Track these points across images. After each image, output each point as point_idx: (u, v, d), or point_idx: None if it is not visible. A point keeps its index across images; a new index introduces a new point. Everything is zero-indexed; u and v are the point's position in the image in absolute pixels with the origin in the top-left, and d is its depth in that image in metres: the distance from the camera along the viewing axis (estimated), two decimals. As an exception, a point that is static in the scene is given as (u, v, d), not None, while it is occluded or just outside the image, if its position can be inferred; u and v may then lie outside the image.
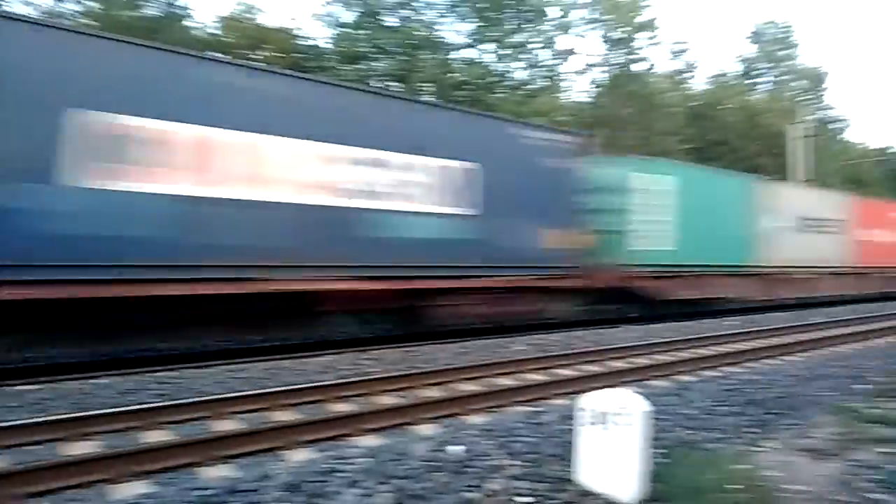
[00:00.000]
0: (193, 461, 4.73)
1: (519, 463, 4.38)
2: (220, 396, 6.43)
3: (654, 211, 14.28)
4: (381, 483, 3.92)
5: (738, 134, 34.58)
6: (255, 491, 3.71)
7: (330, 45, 24.33)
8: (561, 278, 12.01)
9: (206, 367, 7.98)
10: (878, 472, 4.61)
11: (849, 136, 46.10)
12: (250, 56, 22.72)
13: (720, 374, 8.43)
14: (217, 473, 4.54)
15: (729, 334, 12.22)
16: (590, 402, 4.14)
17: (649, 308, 14.83)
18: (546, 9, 27.85)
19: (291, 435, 5.33)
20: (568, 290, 12.52)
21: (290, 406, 6.42)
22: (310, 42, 24.84)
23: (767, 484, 4.24)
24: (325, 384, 7.12)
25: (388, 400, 6.90)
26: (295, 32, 24.53)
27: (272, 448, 5.10)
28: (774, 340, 11.78)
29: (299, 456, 4.92)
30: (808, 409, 6.63)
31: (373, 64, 23.27)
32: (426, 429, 5.87)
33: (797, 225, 18.60)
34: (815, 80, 43.52)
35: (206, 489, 3.80)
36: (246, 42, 22.36)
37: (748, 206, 17.12)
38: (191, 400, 6.25)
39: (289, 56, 23.14)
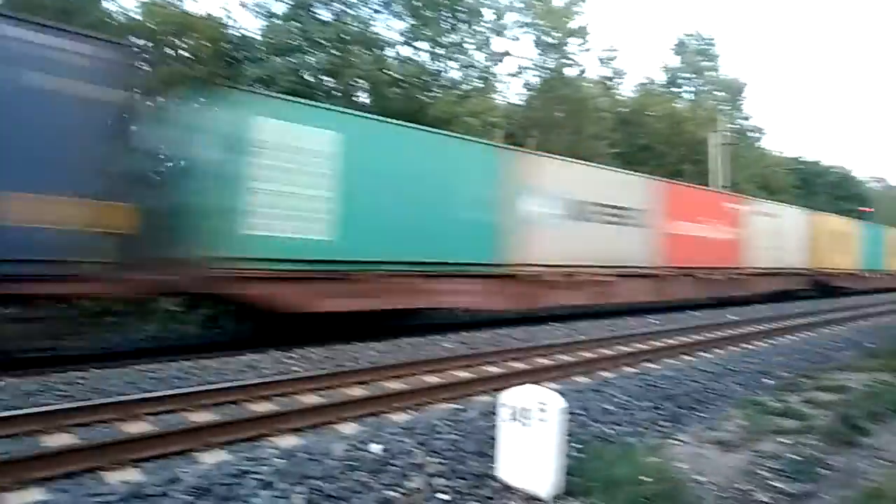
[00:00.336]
0: (98, 465, 4.48)
1: (440, 460, 4.38)
2: (131, 398, 6.14)
3: (295, 179, 9.60)
4: (296, 484, 3.82)
5: (663, 140, 35.93)
6: (161, 496, 3.54)
7: (259, 37, 23.67)
8: (53, 281, 7.38)
9: (118, 367, 7.59)
10: (780, 461, 4.88)
11: (765, 144, 48.70)
12: (178, 44, 21.78)
13: (639, 370, 8.70)
14: (122, 478, 4.31)
15: (650, 332, 12.67)
16: (509, 399, 4.18)
17: (264, 323, 10.51)
18: (482, 9, 28.06)
19: (205, 436, 5.14)
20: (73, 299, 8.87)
21: (207, 407, 6.20)
22: (240, 32, 24.09)
23: (678, 475, 4.40)
24: (245, 384, 6.91)
25: (310, 399, 6.76)
26: (224, 21, 23.71)
27: (184, 450, 4.90)
28: (693, 338, 12.30)
29: (212, 458, 4.75)
30: (718, 403, 6.96)
31: (306, 57, 22.77)
32: (347, 428, 5.78)
33: (574, 212, 14.21)
34: (735, 90, 45.76)
35: (109, 494, 3.60)
36: (170, 29, 21.40)
37: (492, 183, 12.64)
38: (99, 401, 5.93)
39: (217, 45, 22.33)
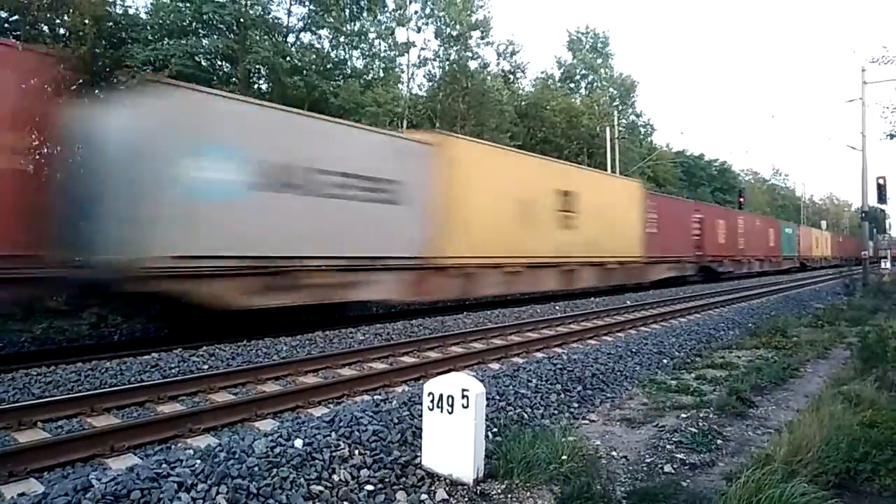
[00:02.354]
0: (-10, 479, 4.12)
1: (364, 452, 4.36)
2: (22, 404, 5.66)
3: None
4: (217, 484, 3.69)
5: (561, 134, 37.27)
6: (70, 506, 3.31)
7: (148, 16, 22.26)
8: None
9: (3, 372, 6.97)
10: (681, 434, 5.26)
11: (655, 138, 51.65)
12: (56, 21, 20.03)
13: (548, 354, 9.05)
14: (19, 490, 3.99)
15: (557, 317, 13.18)
16: (432, 388, 4.23)
17: None
18: (385, -1, 27.86)
19: (112, 441, 4.83)
20: None
21: (110, 410, 5.83)
22: (127, 11, 22.53)
23: (591, 453, 4.64)
24: (150, 384, 6.55)
25: (223, 397, 6.52)
26: (106, -2, 22.07)
27: (91, 457, 4.59)
28: (595, 322, 12.92)
29: (123, 463, 4.48)
30: (623, 383, 7.37)
31: (203, 41, 21.67)
32: (266, 424, 5.63)
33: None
34: (627, 87, 48.09)
35: (7, 510, 3.33)
36: (45, 3, 19.64)
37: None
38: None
39: (100, 25, 20.75)
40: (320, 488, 3.82)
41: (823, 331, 11.51)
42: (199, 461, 3.90)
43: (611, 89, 47.04)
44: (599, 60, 47.15)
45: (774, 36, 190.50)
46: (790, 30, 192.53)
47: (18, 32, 18.33)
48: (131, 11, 22.74)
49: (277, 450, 4.15)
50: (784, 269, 41.21)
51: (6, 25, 18.52)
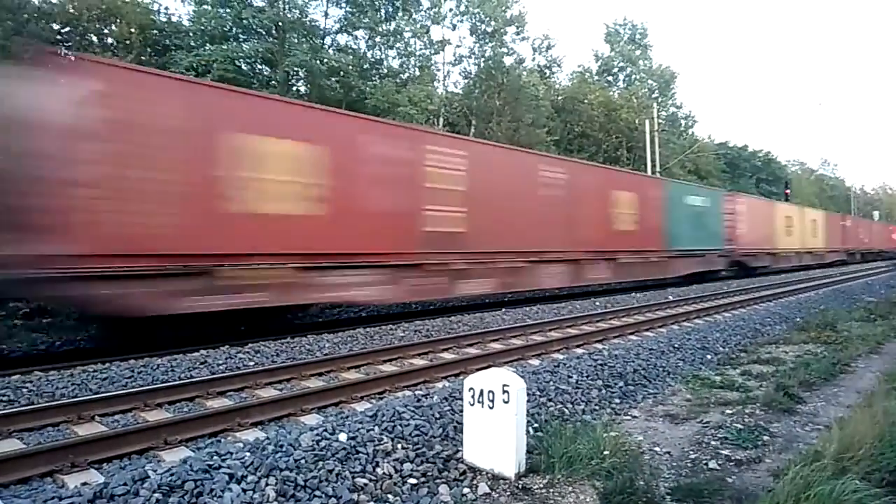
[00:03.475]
0: (53, 469, 4.33)
1: (407, 446, 4.43)
2: (80, 399, 5.92)
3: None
4: (266, 476, 3.81)
5: (599, 128, 36.84)
6: (129, 494, 3.46)
7: (190, 24, 22.83)
8: None
9: (63, 367, 7.29)
10: (726, 430, 5.19)
11: (696, 130, 50.68)
12: (104, 31, 20.75)
13: (588, 350, 9.00)
14: (81, 480, 4.19)
15: (597, 314, 13.07)
16: (472, 383, 4.28)
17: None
18: (419, -2, 27.96)
19: (165, 434, 5.03)
20: None
21: (161, 405, 6.05)
22: (171, 18, 23.19)
23: (633, 448, 4.61)
24: (199, 380, 6.77)
25: (269, 393, 6.69)
26: (151, 6, 22.75)
27: (145, 449, 4.79)
28: (637, 318, 12.77)
29: (176, 455, 4.66)
30: (665, 378, 7.29)
31: (244, 46, 22.13)
32: (310, 419, 5.77)
33: None
34: (667, 79, 47.26)
35: (69, 498, 3.49)
36: (93, 14, 20.35)
37: None
38: (48, 404, 5.70)
39: (146, 33, 21.42)
40: (365, 481, 3.90)
41: (876, 325, 11.14)
42: (248, 454, 4.03)
43: (650, 81, 46.29)
44: (638, 52, 46.44)
45: (821, 19, 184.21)
46: (836, 14, 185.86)
47: (70, 43, 19.05)
48: (174, 19, 23.40)
49: (323, 443, 4.26)
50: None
51: (58, 37, 19.25)
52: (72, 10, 19.73)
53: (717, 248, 23.62)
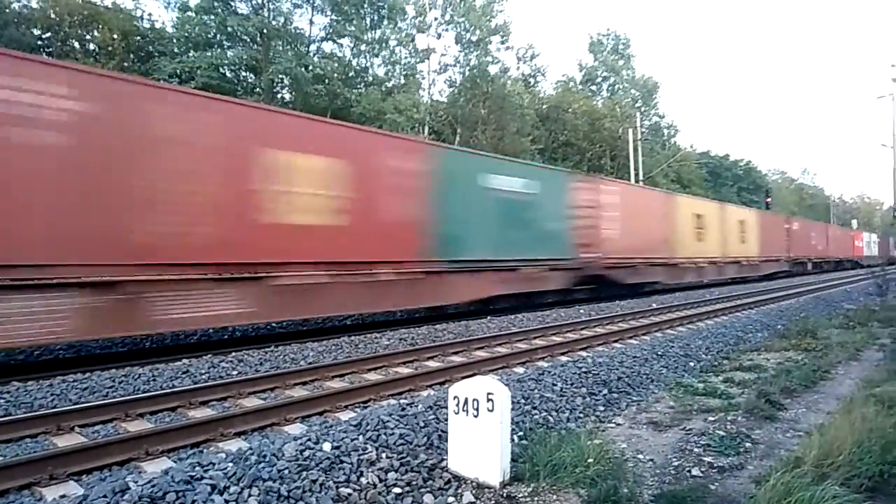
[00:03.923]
0: (31, 482, 4.26)
1: (391, 455, 4.42)
2: (59, 409, 5.83)
3: None
4: (249, 487, 3.77)
5: (583, 137, 37.16)
6: (108, 507, 3.42)
7: (174, 30, 22.74)
8: None
9: (41, 378, 7.17)
10: (708, 437, 5.23)
11: (679, 139, 51.24)
12: (86, 37, 20.59)
13: (573, 358, 9.03)
14: (60, 492, 4.12)
15: (581, 321, 13.12)
16: (457, 391, 4.28)
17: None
18: (405, 6, 28.07)
19: (146, 445, 4.96)
20: None
21: (143, 415, 5.98)
22: (154, 25, 23.08)
23: (617, 456, 4.63)
24: (182, 389, 6.69)
25: (253, 402, 6.64)
26: (134, 12, 22.63)
27: (126, 460, 4.72)
28: (621, 325, 12.84)
29: (157, 466, 4.60)
30: (648, 386, 7.33)
31: (228, 53, 22.06)
32: (294, 428, 5.73)
33: None
34: (650, 89, 47.80)
35: (49, 512, 3.45)
36: (75, 20, 20.20)
37: None
38: (25, 415, 5.61)
39: (129, 40, 21.30)
40: (349, 491, 3.88)
41: (855, 332, 11.29)
42: (231, 464, 3.99)
43: (633, 91, 46.82)
44: (621, 62, 46.96)
45: (801, 32, 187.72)
46: (818, 26, 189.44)
47: (51, 49, 18.87)
48: (158, 25, 23.29)
49: (306, 453, 4.23)
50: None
51: (39, 42, 19.07)
52: (53, 16, 19.58)
53: (556, 258, 15.80)
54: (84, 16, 20.19)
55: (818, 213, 70.81)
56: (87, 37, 20.88)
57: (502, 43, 32.94)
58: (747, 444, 5.07)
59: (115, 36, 20.95)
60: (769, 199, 41.63)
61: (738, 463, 4.67)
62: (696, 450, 4.98)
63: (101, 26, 20.70)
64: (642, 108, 44.57)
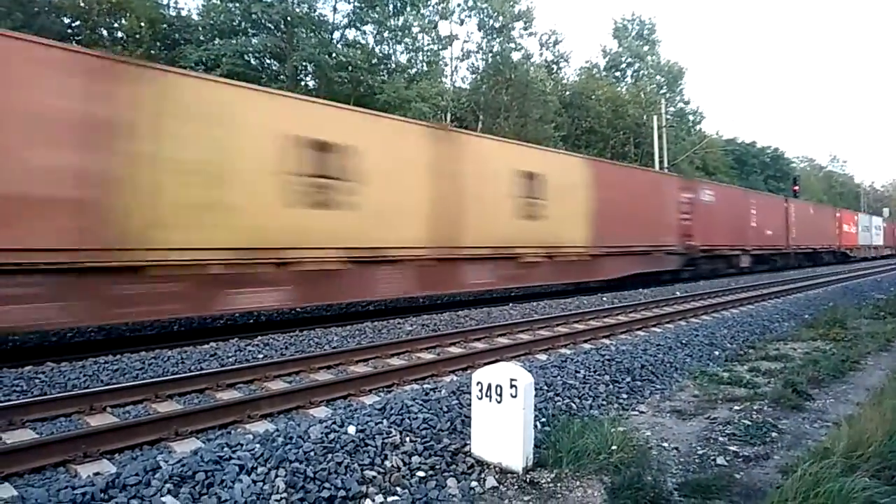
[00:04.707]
0: (66, 459, 4.39)
1: (415, 439, 4.46)
2: (92, 390, 5.98)
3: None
4: (276, 468, 3.84)
5: (606, 123, 36.73)
6: (141, 484, 3.50)
7: (199, 18, 22.90)
8: None
9: (74, 359, 7.36)
10: (733, 426, 5.19)
11: (704, 126, 50.43)
12: (114, 25, 20.84)
13: (596, 346, 9.00)
14: (94, 469, 4.24)
15: (604, 309, 13.05)
16: (481, 377, 4.29)
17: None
18: (427, -8, 27.93)
19: (175, 426, 5.08)
20: None
21: (172, 396, 6.11)
22: (180, 13, 23.27)
23: (641, 443, 4.62)
24: (209, 372, 6.82)
25: (278, 385, 6.74)
26: (160, 1, 22.84)
27: (157, 440, 4.84)
28: (644, 313, 12.75)
29: (187, 446, 4.71)
30: (672, 374, 7.28)
31: (253, 40, 22.17)
32: (319, 411, 5.81)
33: None
34: (675, 75, 47.02)
35: (82, 487, 3.53)
36: (103, 8, 20.45)
37: None
38: (60, 395, 5.76)
39: (155, 27, 21.51)
40: (373, 474, 3.93)
41: (885, 322, 11.07)
42: (258, 445, 4.07)
43: (657, 77, 46.10)
44: (646, 48, 46.22)
45: (831, 14, 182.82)
46: (849, 6, 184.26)
47: (80, 37, 19.15)
48: (184, 13, 23.48)
49: (332, 436, 4.28)
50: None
51: (69, 31, 19.34)
52: (82, 4, 19.83)
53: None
54: (112, 4, 20.41)
55: (847, 202, 69.28)
56: (115, 25, 21.12)
57: (525, 29, 32.64)
58: (773, 434, 5.02)
59: (143, 24, 21.15)
60: (797, 188, 40.78)
61: (765, 453, 4.62)
62: (720, 439, 4.95)
63: (128, 14, 20.90)
64: (667, 95, 43.86)
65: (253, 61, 22.82)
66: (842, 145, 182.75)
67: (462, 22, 31.28)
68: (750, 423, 5.25)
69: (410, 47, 28.42)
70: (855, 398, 6.11)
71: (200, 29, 22.28)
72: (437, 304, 12.97)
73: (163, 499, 3.41)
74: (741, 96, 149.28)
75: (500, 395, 4.17)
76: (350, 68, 23.62)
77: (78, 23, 19.85)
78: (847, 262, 38.29)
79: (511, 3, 31.20)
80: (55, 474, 4.27)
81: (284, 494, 3.57)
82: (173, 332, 9.60)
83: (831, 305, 13.45)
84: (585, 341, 9.64)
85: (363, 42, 26.01)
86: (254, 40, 22.25)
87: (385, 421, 4.69)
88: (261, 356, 8.01)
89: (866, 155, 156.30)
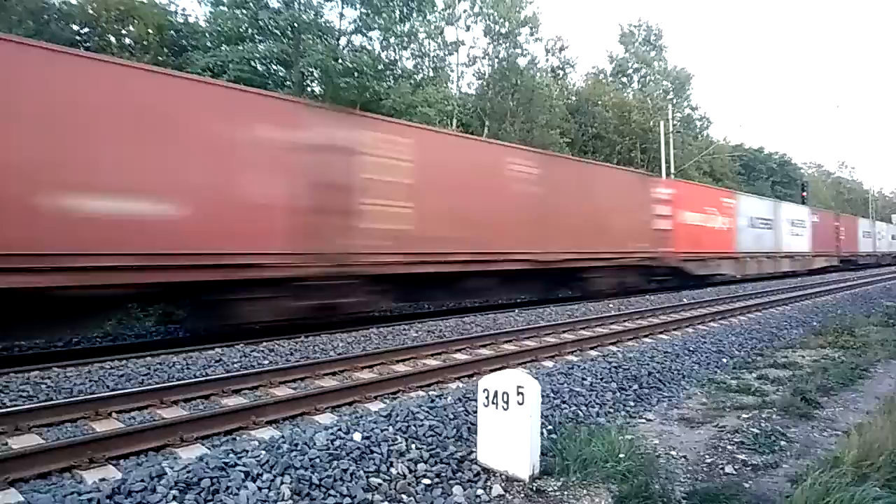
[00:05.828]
0: (72, 465, 4.38)
1: (421, 446, 4.44)
2: (97, 396, 5.99)
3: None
4: (281, 475, 3.82)
5: (613, 129, 36.68)
6: (146, 490, 3.49)
7: (207, 24, 23.02)
8: None
9: (80, 364, 7.38)
10: (742, 434, 5.14)
11: (711, 132, 50.28)
12: (122, 32, 20.96)
13: (603, 353, 8.96)
14: (99, 475, 4.23)
15: (610, 316, 13.00)
16: (487, 384, 4.27)
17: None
18: (433, -1, 27.97)
19: (181, 432, 5.07)
20: None
21: (177, 402, 6.11)
22: (188, 19, 23.41)
23: (649, 452, 4.58)
24: (215, 378, 6.82)
25: (284, 391, 6.73)
26: (168, 7, 22.98)
27: (161, 446, 4.83)
28: (651, 320, 12.69)
29: (192, 453, 4.69)
30: (680, 382, 7.23)
31: (259, 46, 22.25)
32: (325, 418, 5.79)
33: None
34: (682, 80, 46.93)
35: (88, 493, 3.53)
36: (112, 15, 20.59)
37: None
38: (66, 400, 5.77)
39: (163, 34, 21.64)
40: (379, 481, 3.91)
41: (895, 329, 10.99)
42: (263, 452, 4.05)
43: (664, 83, 45.98)
44: (653, 53, 46.14)
45: (838, 20, 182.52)
46: (857, 12, 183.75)
47: (89, 44, 19.28)
48: (191, 20, 23.63)
49: (337, 443, 4.26)
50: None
51: (77, 37, 19.48)
52: (91, 11, 19.97)
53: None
54: (120, 10, 20.55)
55: (856, 208, 68.87)
56: (123, 31, 21.25)
57: (531, 35, 32.65)
58: (782, 443, 4.97)
59: (150, 30, 21.28)
60: (805, 194, 40.59)
61: (773, 461, 4.58)
62: (729, 447, 4.90)
63: (136, 21, 21.04)
64: (674, 100, 43.77)
65: (259, 67, 22.89)
66: (851, 151, 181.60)
67: (468, 28, 31.32)
68: (758, 431, 5.20)
69: (416, 53, 28.47)
70: (865, 406, 6.04)
71: (207, 35, 22.37)
72: (441, 311, 12.94)
73: (168, 505, 3.40)
74: (749, 101, 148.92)
75: (507, 402, 4.14)
76: (356, 74, 23.64)
77: (87, 30, 19.99)
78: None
79: (517, 9, 31.23)
80: (61, 480, 4.26)
81: (290, 501, 3.56)
82: (178, 338, 9.61)
83: (840, 313, 13.37)
84: (592, 348, 9.60)
85: (369, 48, 26.07)
86: (260, 46, 22.33)
87: (391, 428, 4.67)
88: (266, 362, 8.01)
89: (875, 161, 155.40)
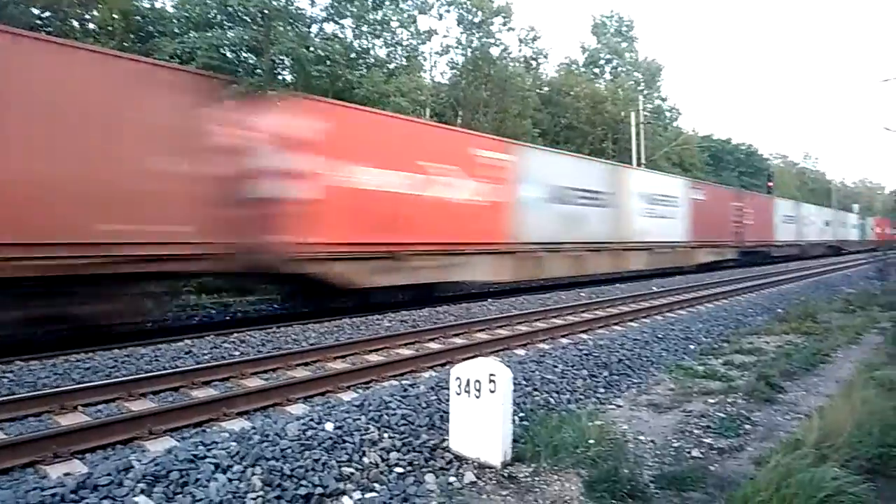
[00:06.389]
0: (35, 460, 4.29)
1: (393, 435, 4.44)
2: (62, 389, 5.86)
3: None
4: (252, 466, 3.79)
5: (585, 120, 36.86)
6: (112, 484, 3.44)
7: (174, 10, 22.49)
8: None
9: (44, 357, 7.21)
10: (708, 419, 5.26)
11: (681, 123, 50.85)
12: (85, 17, 20.36)
13: (574, 340, 9.06)
14: (64, 470, 4.16)
15: (581, 304, 13.14)
16: (459, 372, 4.29)
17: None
18: (406, -14, 27.73)
19: (149, 424, 5.00)
20: None
21: (146, 395, 6.01)
22: (154, 5, 22.83)
23: (618, 437, 4.66)
24: (184, 369, 6.73)
25: (255, 382, 6.67)
26: (133, -9, 22.38)
27: (129, 439, 4.76)
28: (622, 308, 12.86)
29: (161, 445, 4.63)
30: (649, 368, 7.35)
31: (229, 33, 21.80)
32: (297, 409, 5.76)
33: None
34: (652, 72, 47.36)
35: (52, 488, 3.46)
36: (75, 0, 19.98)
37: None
38: (29, 394, 5.64)
39: (129, 19, 21.08)
40: (351, 470, 3.91)
41: (855, 316, 11.32)
42: (234, 443, 4.02)
43: (635, 74, 46.37)
44: (624, 45, 46.45)
45: (805, 15, 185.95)
46: (822, 8, 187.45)
47: (50, 29, 18.69)
48: (158, 5, 23.04)
49: (309, 433, 4.25)
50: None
51: (38, 21, 18.88)
52: (52, -4, 19.34)
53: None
54: (83, -5, 19.95)
55: (819, 198, 70.51)
56: (87, 16, 20.66)
57: (504, 25, 32.58)
58: (747, 426, 5.10)
59: (115, 15, 20.72)
60: (771, 184, 41.37)
61: (738, 444, 4.70)
62: (696, 431, 5.01)
63: (100, 6, 20.45)
64: (645, 92, 44.15)
65: (229, 54, 22.45)
66: (815, 143, 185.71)
67: (441, 17, 31.13)
68: (724, 415, 5.33)
69: (389, 42, 28.21)
70: (826, 390, 6.23)
71: (175, 21, 21.85)
72: (416, 301, 12.93)
73: (135, 499, 3.35)
74: (717, 93, 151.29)
75: (479, 390, 4.17)
76: (328, 62, 23.33)
77: (48, 14, 19.38)
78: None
79: (490, -1, 31.14)
80: (24, 475, 4.18)
81: (261, 493, 3.54)
82: (146, 329, 9.45)
83: (803, 300, 13.72)
84: (563, 336, 9.70)
85: (342, 36, 25.75)
86: (230, 33, 21.87)
87: (363, 417, 4.66)
88: (237, 353, 7.93)
89: (837, 152, 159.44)
